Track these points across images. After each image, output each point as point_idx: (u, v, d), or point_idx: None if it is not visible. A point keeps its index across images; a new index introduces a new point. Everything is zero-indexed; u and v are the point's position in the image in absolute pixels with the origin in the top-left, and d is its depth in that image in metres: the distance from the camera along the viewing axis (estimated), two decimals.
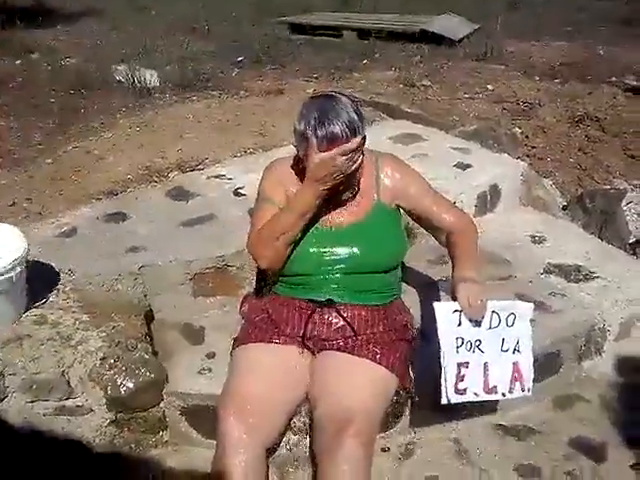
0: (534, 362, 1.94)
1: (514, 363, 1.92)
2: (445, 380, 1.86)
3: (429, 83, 4.74)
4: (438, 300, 1.97)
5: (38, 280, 2.23)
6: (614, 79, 4.70)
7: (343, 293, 1.96)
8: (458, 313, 1.86)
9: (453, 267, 1.98)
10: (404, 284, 2.28)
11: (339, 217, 1.99)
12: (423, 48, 6.05)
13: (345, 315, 1.95)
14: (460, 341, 1.87)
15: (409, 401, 2.09)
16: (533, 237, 2.98)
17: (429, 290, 2.44)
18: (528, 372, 1.93)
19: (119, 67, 5.12)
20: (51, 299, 2.25)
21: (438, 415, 2.14)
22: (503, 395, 1.92)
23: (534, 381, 1.94)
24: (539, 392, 2.17)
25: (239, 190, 3.07)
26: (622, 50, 5.59)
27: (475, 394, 1.89)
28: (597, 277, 2.65)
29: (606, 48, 5.70)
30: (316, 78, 5.07)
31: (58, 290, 2.30)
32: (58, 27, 7.65)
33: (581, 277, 2.65)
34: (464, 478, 2.00)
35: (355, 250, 1.95)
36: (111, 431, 2.06)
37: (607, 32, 6.60)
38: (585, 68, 5.08)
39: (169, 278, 2.50)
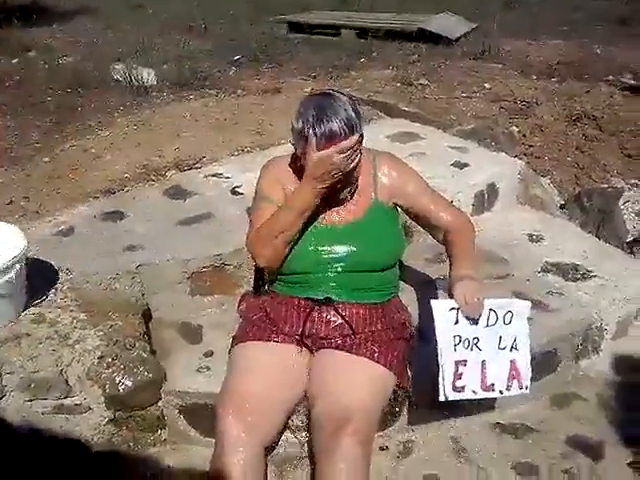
0: (531, 360, 1.95)
1: (511, 361, 1.92)
2: (443, 378, 1.86)
3: (426, 82, 4.74)
4: (436, 298, 1.98)
5: (36, 278, 2.22)
6: (611, 78, 4.70)
7: (341, 291, 1.96)
8: (455, 311, 1.86)
9: (450, 265, 1.99)
10: (402, 282, 2.29)
11: (337, 215, 1.99)
12: (420, 47, 6.05)
13: (343, 313, 1.95)
14: (458, 339, 1.87)
15: (407, 399, 2.09)
16: (530, 236, 2.99)
17: (427, 288, 2.45)
18: (525, 370, 1.93)
19: (116, 66, 5.11)
20: (49, 298, 2.25)
21: (436, 413, 2.15)
22: (500, 393, 1.93)
23: (531, 379, 1.95)
24: (536, 390, 2.18)
25: (236, 189, 3.06)
26: (619, 49, 5.59)
27: (473, 392, 1.90)
28: (594, 276, 2.66)
29: (603, 47, 5.70)
30: (314, 77, 5.06)
31: (56, 289, 2.30)
32: (54, 26, 7.63)
33: (578, 276, 2.66)
34: (462, 476, 2.00)
35: (353, 248, 1.96)
36: (109, 429, 2.06)
37: (603, 31, 6.60)
38: (582, 67, 5.08)
39: (167, 277, 2.49)
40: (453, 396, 1.88)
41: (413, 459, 2.07)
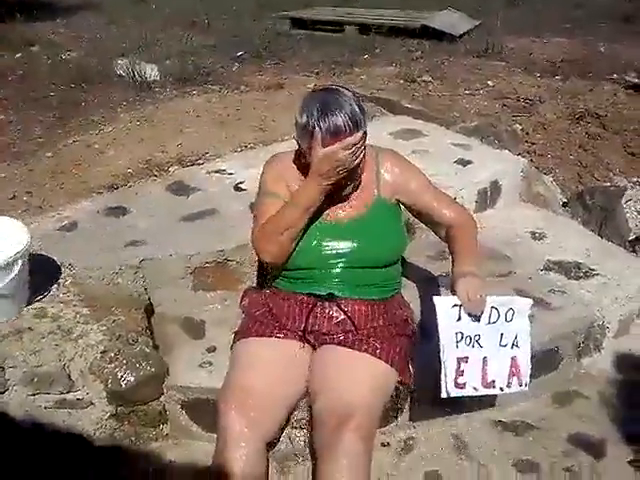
0: (532, 358, 1.95)
1: (512, 358, 1.93)
2: (445, 375, 1.87)
3: (430, 79, 4.74)
4: (438, 295, 1.98)
5: (39, 273, 2.23)
6: (615, 76, 4.69)
7: (344, 287, 1.96)
8: (458, 307, 1.87)
9: (453, 262, 1.99)
10: (404, 279, 2.28)
11: (340, 211, 1.99)
12: (424, 44, 6.04)
13: (346, 309, 1.95)
14: (460, 336, 1.88)
15: (409, 396, 2.10)
16: (533, 233, 2.98)
17: (429, 285, 2.45)
18: (526, 367, 1.94)
19: (120, 61, 5.10)
20: (52, 293, 2.25)
21: (438, 410, 2.15)
22: (501, 389, 1.93)
23: (533, 377, 1.96)
24: (538, 388, 2.19)
25: (239, 185, 3.06)
26: (622, 47, 5.58)
27: (474, 388, 1.90)
28: (597, 274, 2.66)
29: (606, 45, 5.70)
30: (316, 73, 5.06)
31: (59, 284, 2.30)
32: (57, 20, 7.63)
33: (581, 274, 2.66)
34: (463, 473, 2.01)
35: (356, 244, 1.96)
36: (111, 424, 2.06)
37: (607, 29, 6.59)
38: (586, 65, 5.08)
39: (169, 272, 2.50)
40: (455, 393, 1.88)
41: (414, 455, 2.07)
